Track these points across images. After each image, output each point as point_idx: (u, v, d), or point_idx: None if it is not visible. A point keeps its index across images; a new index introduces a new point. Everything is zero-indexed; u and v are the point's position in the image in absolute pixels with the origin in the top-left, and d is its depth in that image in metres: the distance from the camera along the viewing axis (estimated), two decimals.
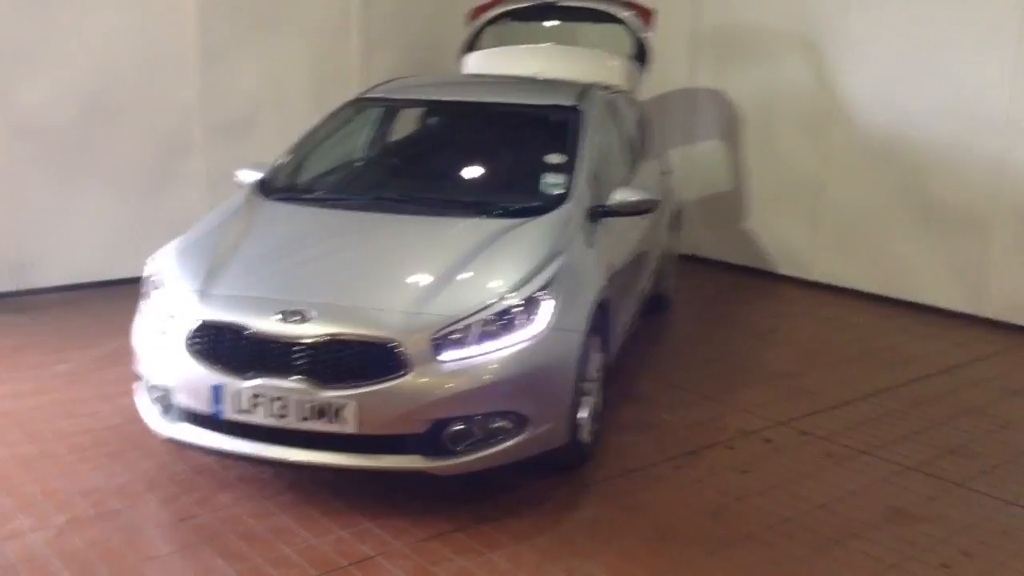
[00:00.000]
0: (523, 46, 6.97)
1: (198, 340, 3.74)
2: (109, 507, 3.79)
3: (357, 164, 5.34)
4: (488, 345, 3.68)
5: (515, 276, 3.85)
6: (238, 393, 3.63)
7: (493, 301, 3.74)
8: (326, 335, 3.59)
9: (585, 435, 4.15)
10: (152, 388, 3.91)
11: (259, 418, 3.63)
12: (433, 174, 5.13)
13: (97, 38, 6.70)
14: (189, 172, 7.23)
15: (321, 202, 4.58)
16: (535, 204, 4.45)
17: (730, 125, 8.26)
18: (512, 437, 3.74)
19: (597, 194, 4.64)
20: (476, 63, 6.98)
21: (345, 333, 3.58)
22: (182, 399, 3.76)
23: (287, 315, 3.64)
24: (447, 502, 3.85)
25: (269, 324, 3.63)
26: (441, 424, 3.62)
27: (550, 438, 3.87)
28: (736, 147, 8.27)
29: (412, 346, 3.56)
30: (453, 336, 3.63)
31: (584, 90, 5.36)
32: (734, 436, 4.70)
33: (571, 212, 4.38)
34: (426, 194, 4.70)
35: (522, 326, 3.74)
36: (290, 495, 3.90)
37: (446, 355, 3.61)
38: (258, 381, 3.59)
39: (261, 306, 3.71)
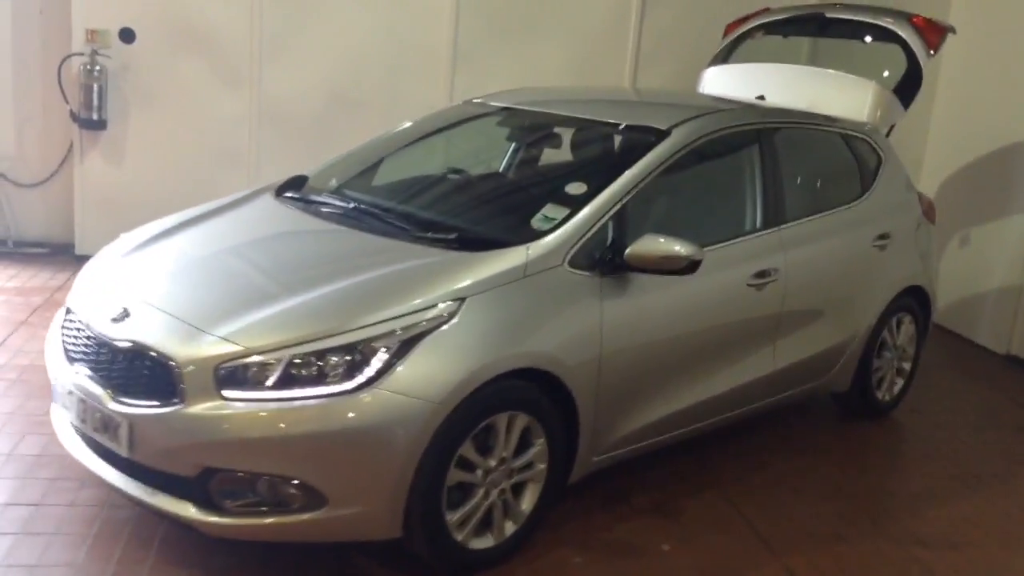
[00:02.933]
0: (761, 64, 5.80)
1: (63, 327, 3.52)
2: None
3: (394, 168, 4.71)
4: (291, 391, 2.96)
5: (361, 314, 3.08)
6: (60, 387, 3.38)
7: (313, 338, 3.00)
8: (129, 341, 3.15)
9: (465, 537, 3.27)
10: None
11: (72, 417, 3.31)
12: (437, 189, 4.38)
13: (350, 33, 6.85)
14: None
15: (307, 206, 4.08)
16: (493, 236, 3.57)
17: None
18: (302, 512, 3.00)
19: (620, 241, 3.59)
20: (710, 79, 5.98)
21: (143, 343, 3.12)
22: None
23: (119, 315, 3.26)
24: None
25: (99, 321, 3.31)
26: (210, 473, 2.98)
27: (368, 526, 3.08)
28: None
29: (192, 372, 2.98)
30: (247, 370, 2.98)
31: (710, 113, 4.34)
32: None
33: (535, 254, 3.42)
34: (401, 208, 3.98)
35: (340, 377, 2.97)
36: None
37: (232, 392, 2.97)
38: (72, 378, 3.27)
39: (108, 302, 3.39)
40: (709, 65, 6.11)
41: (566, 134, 4.60)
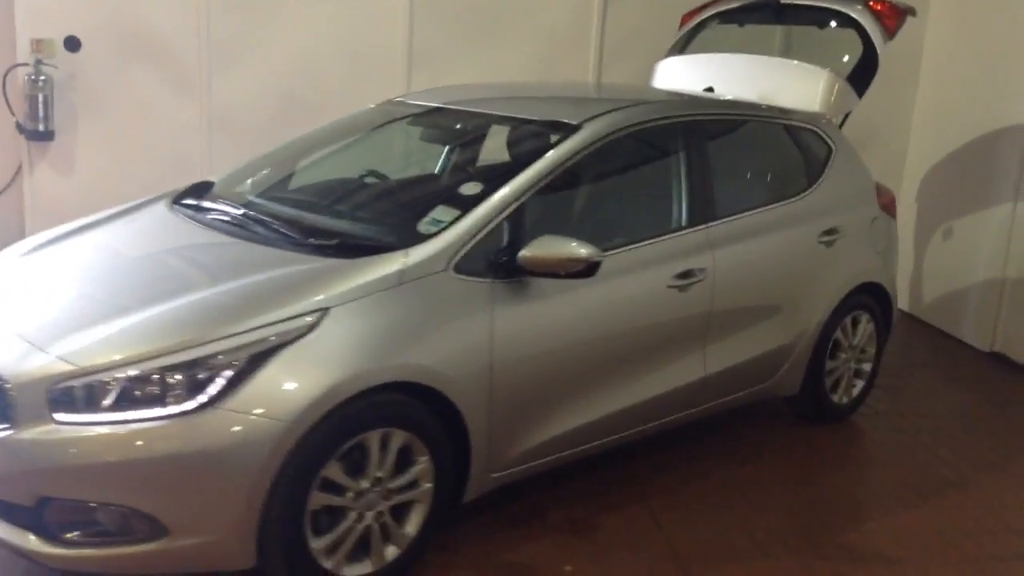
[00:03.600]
0: (714, 55, 5.55)
1: None
2: None
3: (308, 172, 4.52)
4: (127, 413, 2.77)
5: (208, 329, 2.89)
6: None
7: (153, 355, 2.81)
8: None
9: (337, 565, 3.08)
10: None
11: None
12: (341, 193, 4.18)
13: (302, 37, 6.67)
14: None
15: (196, 214, 3.88)
16: (377, 241, 3.38)
17: None
18: (144, 542, 2.82)
19: (517, 243, 3.37)
20: (662, 72, 5.73)
21: None
22: None
23: None
24: None
25: None
26: (46, 501, 2.80)
27: (216, 556, 2.89)
28: None
29: (22, 394, 2.80)
30: (82, 391, 2.79)
31: (628, 107, 4.10)
32: None
33: (414, 259, 3.21)
34: (289, 214, 3.78)
35: (180, 397, 2.78)
36: None
37: (65, 415, 2.79)
38: None
39: None
40: (665, 56, 5.86)
41: (481, 132, 4.37)
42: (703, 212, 4.15)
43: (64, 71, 6.49)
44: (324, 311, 3.02)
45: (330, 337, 2.99)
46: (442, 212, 3.51)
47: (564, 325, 3.56)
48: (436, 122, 4.52)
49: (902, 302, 6.58)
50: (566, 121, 3.88)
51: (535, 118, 4.04)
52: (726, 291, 4.15)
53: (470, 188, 3.61)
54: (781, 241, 4.44)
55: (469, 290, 3.31)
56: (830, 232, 4.66)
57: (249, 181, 4.23)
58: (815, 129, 4.81)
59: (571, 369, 3.63)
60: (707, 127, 4.32)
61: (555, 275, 3.40)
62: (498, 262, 3.39)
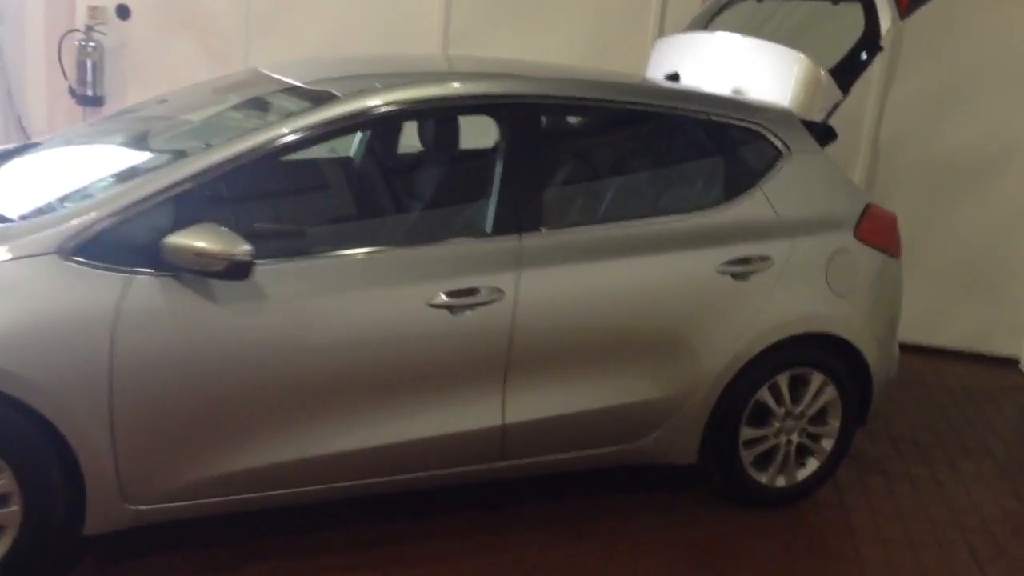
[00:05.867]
0: (706, 33, 4.57)
1: None
2: None
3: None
4: None
5: None
6: None
7: None
8: None
9: None
10: None
11: None
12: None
13: (339, 11, 6.38)
14: None
15: None
16: None
17: None
18: None
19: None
20: (657, 49, 4.82)
21: None
22: None
23: None
24: None
25: None
26: None
27: None
28: None
29: None
30: None
31: (422, 83, 3.36)
32: None
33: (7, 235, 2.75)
34: None
35: None
36: None
37: None
38: None
39: None
40: (686, 29, 4.91)
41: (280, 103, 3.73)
42: (515, 219, 3.29)
43: (115, 39, 6.56)
44: None
45: None
46: (95, 186, 2.96)
47: (234, 337, 2.90)
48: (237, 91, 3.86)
49: None
50: (330, 91, 3.20)
51: (307, 87, 3.37)
52: (538, 321, 3.27)
53: (147, 160, 3.03)
54: (650, 265, 3.46)
55: (88, 281, 2.74)
56: (744, 262, 3.58)
57: None
58: (758, 128, 3.73)
59: (255, 392, 2.96)
60: (547, 114, 3.43)
61: (200, 271, 2.77)
62: (141, 249, 2.79)
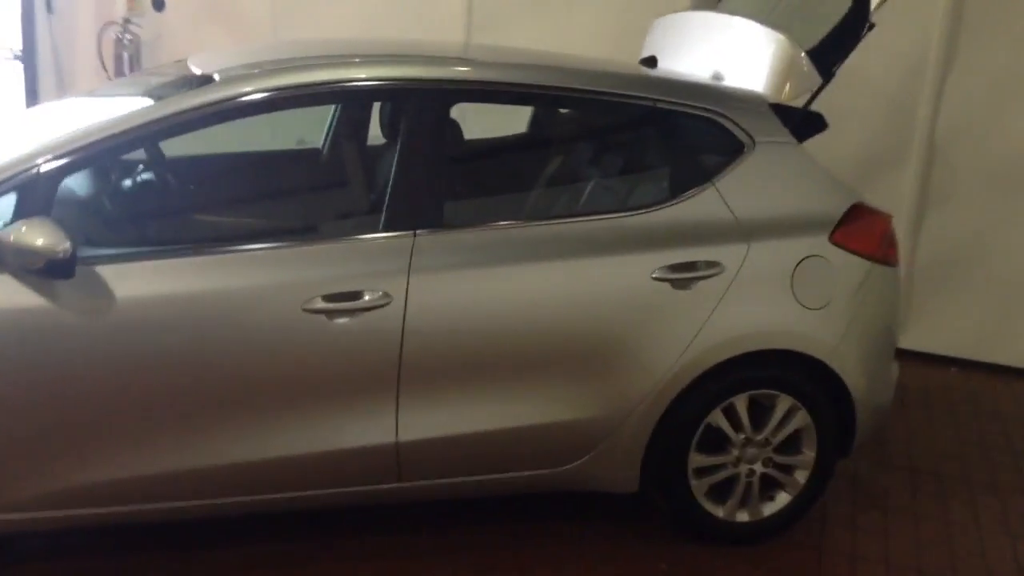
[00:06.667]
0: (701, 12, 4.15)
1: None
2: None
3: None
4: None
5: None
6: None
7: None
8: None
9: None
10: None
11: None
12: None
13: (362, 3, 6.21)
14: None
15: None
16: None
17: None
18: None
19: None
20: (652, 31, 4.44)
21: None
22: None
23: None
24: None
25: None
26: None
27: None
28: None
29: None
30: None
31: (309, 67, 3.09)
32: None
33: None
34: None
35: None
36: None
37: None
38: None
39: None
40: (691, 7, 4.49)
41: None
42: (410, 216, 2.99)
43: (151, 32, 6.58)
44: None
45: None
46: None
47: (81, 341, 2.71)
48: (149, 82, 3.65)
49: None
50: (207, 73, 2.98)
51: (199, 73, 3.15)
52: (433, 330, 2.97)
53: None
54: (572, 272, 3.10)
55: None
56: (687, 267, 3.17)
57: None
58: (714, 116, 3.29)
59: (103, 401, 2.77)
60: (454, 100, 3.10)
61: (26, 269, 2.59)
62: None
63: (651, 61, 3.92)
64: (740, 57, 3.58)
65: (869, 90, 5.27)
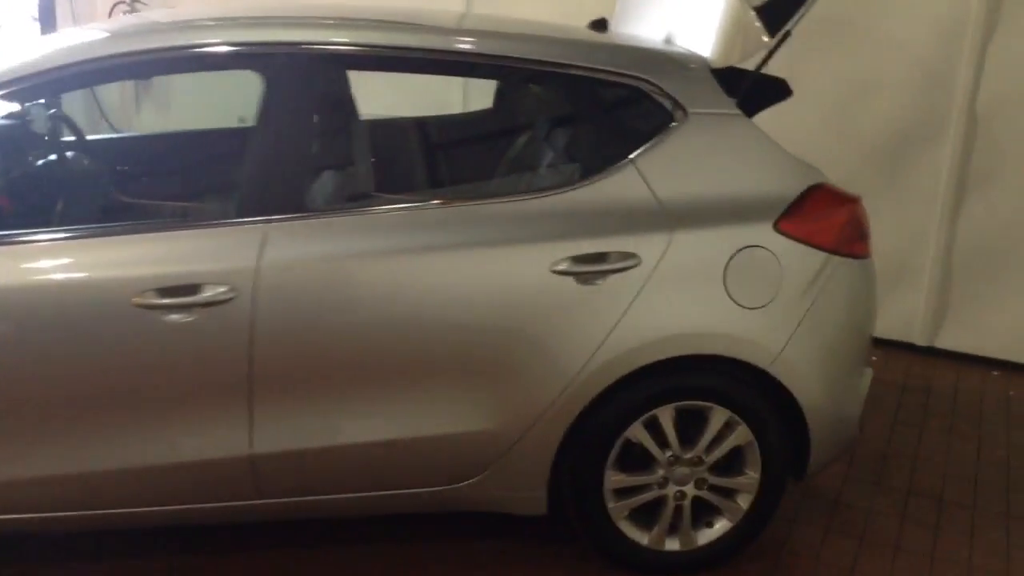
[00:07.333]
0: None
1: None
2: None
3: None
4: None
5: None
6: None
7: None
8: None
9: None
10: None
11: None
12: None
13: None
14: None
15: None
16: None
17: None
18: None
19: None
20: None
21: None
22: None
23: None
24: None
25: None
26: None
27: None
28: None
29: None
30: None
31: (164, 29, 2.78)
32: None
33: None
34: None
35: None
36: None
37: None
38: None
39: None
40: None
41: None
42: (262, 201, 2.64)
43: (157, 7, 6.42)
44: None
45: None
46: None
47: None
48: None
49: None
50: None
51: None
52: (288, 329, 2.62)
53: None
54: (454, 263, 2.70)
55: None
56: (595, 259, 2.73)
57: None
58: (637, 83, 2.84)
59: None
60: (322, 67, 2.73)
61: None
62: None
63: (600, 24, 3.45)
64: (692, 17, 3.10)
65: (901, 57, 4.69)
